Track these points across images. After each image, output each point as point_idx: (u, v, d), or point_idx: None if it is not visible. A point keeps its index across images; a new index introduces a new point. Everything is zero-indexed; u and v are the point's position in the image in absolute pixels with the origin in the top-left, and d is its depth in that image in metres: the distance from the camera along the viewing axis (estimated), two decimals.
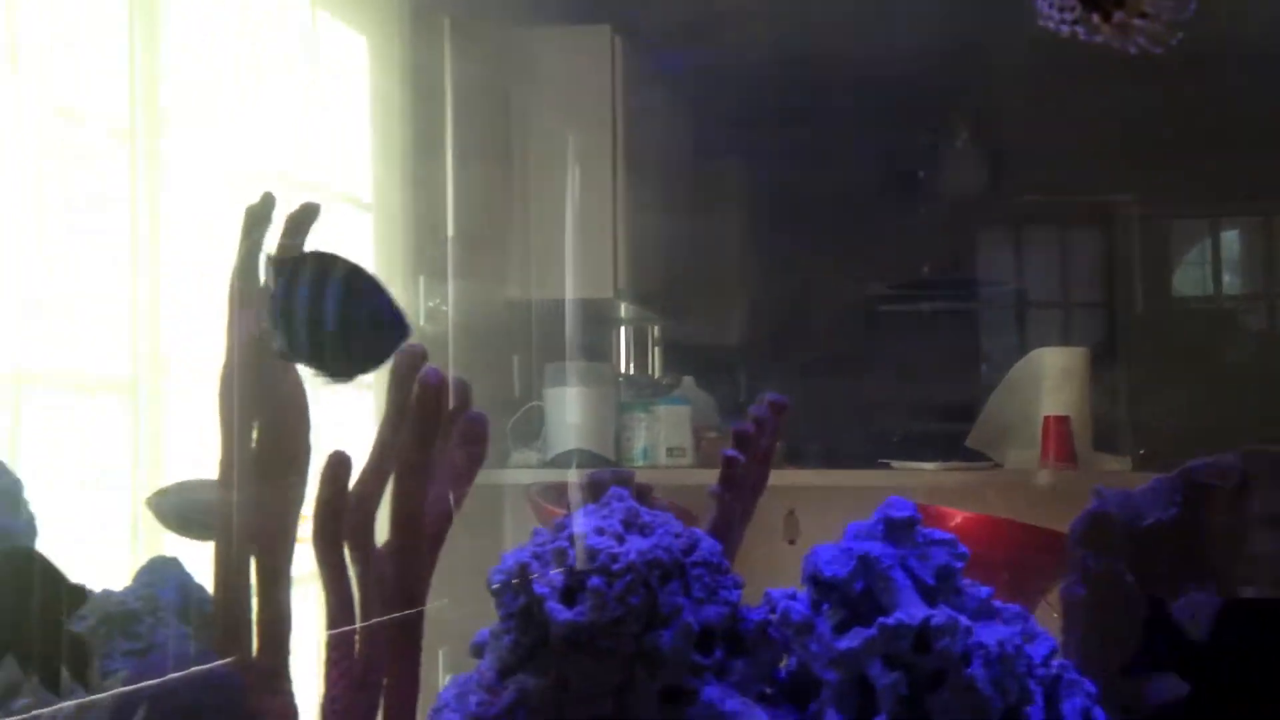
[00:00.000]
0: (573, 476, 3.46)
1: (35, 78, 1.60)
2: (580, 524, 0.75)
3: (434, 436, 0.85)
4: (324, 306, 0.82)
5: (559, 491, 3.04)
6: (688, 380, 3.64)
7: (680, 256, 3.67)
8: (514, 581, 0.76)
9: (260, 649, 1.03)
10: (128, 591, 1.06)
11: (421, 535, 0.87)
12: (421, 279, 3.33)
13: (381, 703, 0.88)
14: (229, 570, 1.04)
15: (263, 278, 0.89)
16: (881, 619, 0.73)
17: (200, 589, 1.09)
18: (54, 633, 0.74)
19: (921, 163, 3.73)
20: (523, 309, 3.50)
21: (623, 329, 3.80)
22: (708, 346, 3.78)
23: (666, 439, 3.59)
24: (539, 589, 0.73)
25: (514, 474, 3.11)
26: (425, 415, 0.85)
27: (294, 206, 1.05)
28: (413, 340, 0.92)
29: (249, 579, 1.04)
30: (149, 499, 1.24)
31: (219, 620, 1.03)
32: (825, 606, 0.76)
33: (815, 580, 0.76)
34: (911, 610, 0.72)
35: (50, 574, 0.77)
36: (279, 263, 0.86)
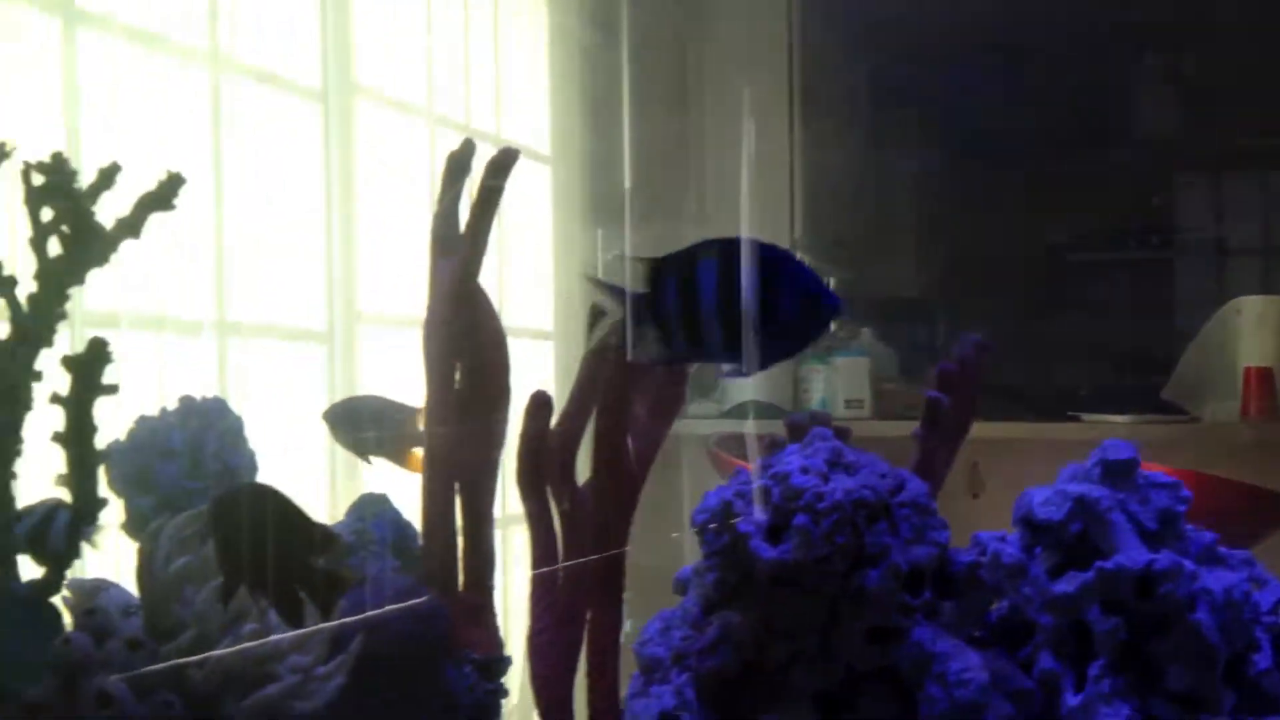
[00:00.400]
0: (750, 428, 3.46)
1: (232, 38, 1.65)
2: (784, 463, 0.75)
3: (636, 378, 0.86)
4: (721, 296, 0.76)
5: (737, 442, 3.04)
6: (866, 331, 3.59)
7: (859, 205, 3.61)
8: (715, 522, 0.76)
9: (466, 583, 1.06)
10: (341, 525, 1.10)
11: (623, 475, 0.88)
12: (599, 231, 3.35)
13: (585, 638, 0.90)
14: (436, 507, 1.07)
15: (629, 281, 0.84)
16: (1100, 563, 0.70)
17: (408, 524, 1.13)
18: (288, 565, 0.77)
19: (1118, 102, 3.58)
20: None
21: None
22: (887, 297, 3.72)
23: (845, 390, 3.55)
24: (743, 527, 0.73)
25: (691, 425, 3.12)
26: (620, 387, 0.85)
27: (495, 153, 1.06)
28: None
29: (455, 516, 1.07)
30: (324, 412, 1.27)
31: (427, 555, 1.06)
32: (1038, 550, 0.74)
33: (1028, 523, 0.74)
34: (1133, 554, 0.70)
35: (285, 510, 0.80)
36: (655, 263, 0.83)
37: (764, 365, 0.72)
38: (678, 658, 0.75)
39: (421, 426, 1.08)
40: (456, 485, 1.07)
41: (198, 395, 1.10)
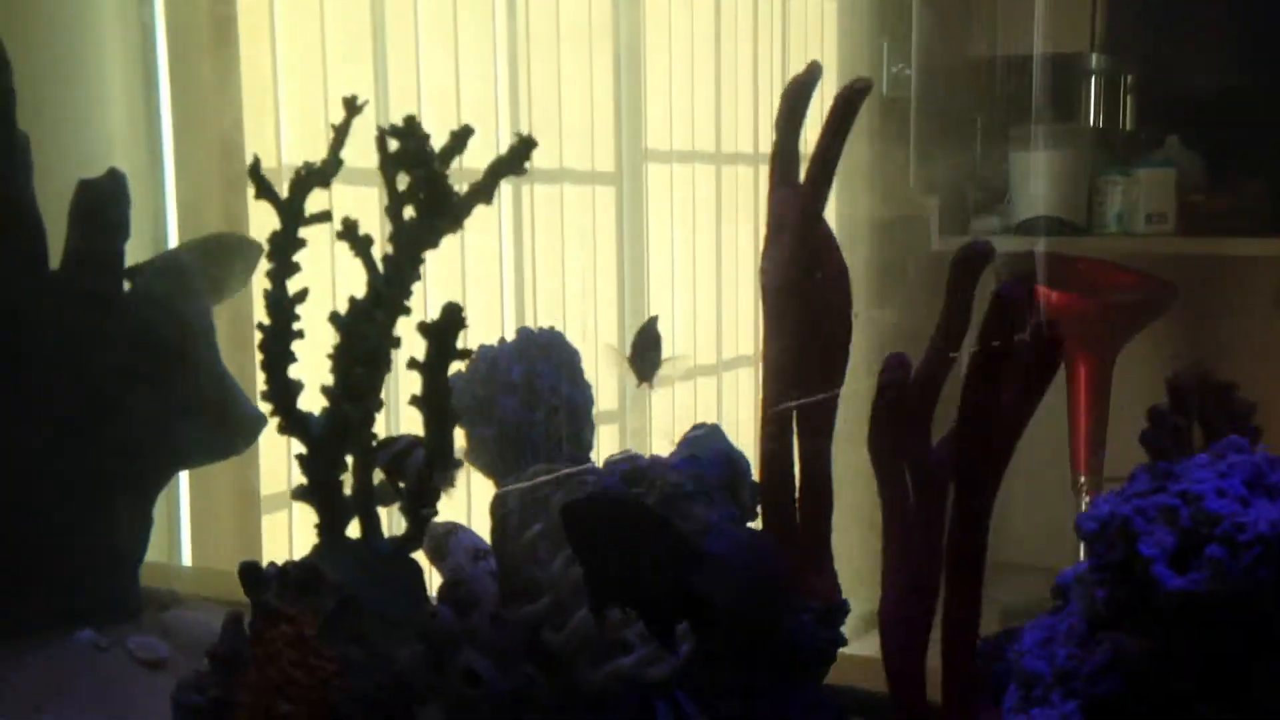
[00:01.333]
0: (1040, 246, 3.28)
1: None
2: (1195, 479, 0.67)
3: (1006, 353, 0.79)
4: None
5: (1024, 261, 2.89)
6: (1172, 140, 3.33)
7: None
8: (1108, 534, 0.69)
9: (804, 528, 1.03)
10: (680, 468, 1.08)
11: (986, 447, 0.82)
12: (884, 43, 3.18)
13: (940, 616, 0.86)
14: (774, 450, 1.03)
15: None
16: None
17: (741, 457, 1.10)
18: (656, 582, 0.76)
19: None
20: (987, 67, 3.30)
21: (1096, 83, 3.50)
22: (1195, 101, 3.41)
23: (1146, 204, 3.32)
24: (1145, 550, 0.67)
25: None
26: (996, 331, 0.78)
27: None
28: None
29: (793, 460, 1.03)
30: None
31: (766, 501, 1.04)
32: None
33: None
34: None
35: (645, 521, 0.78)
36: None
37: None
38: (1062, 677, 0.70)
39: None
40: (795, 428, 1.03)
41: (534, 328, 1.09)
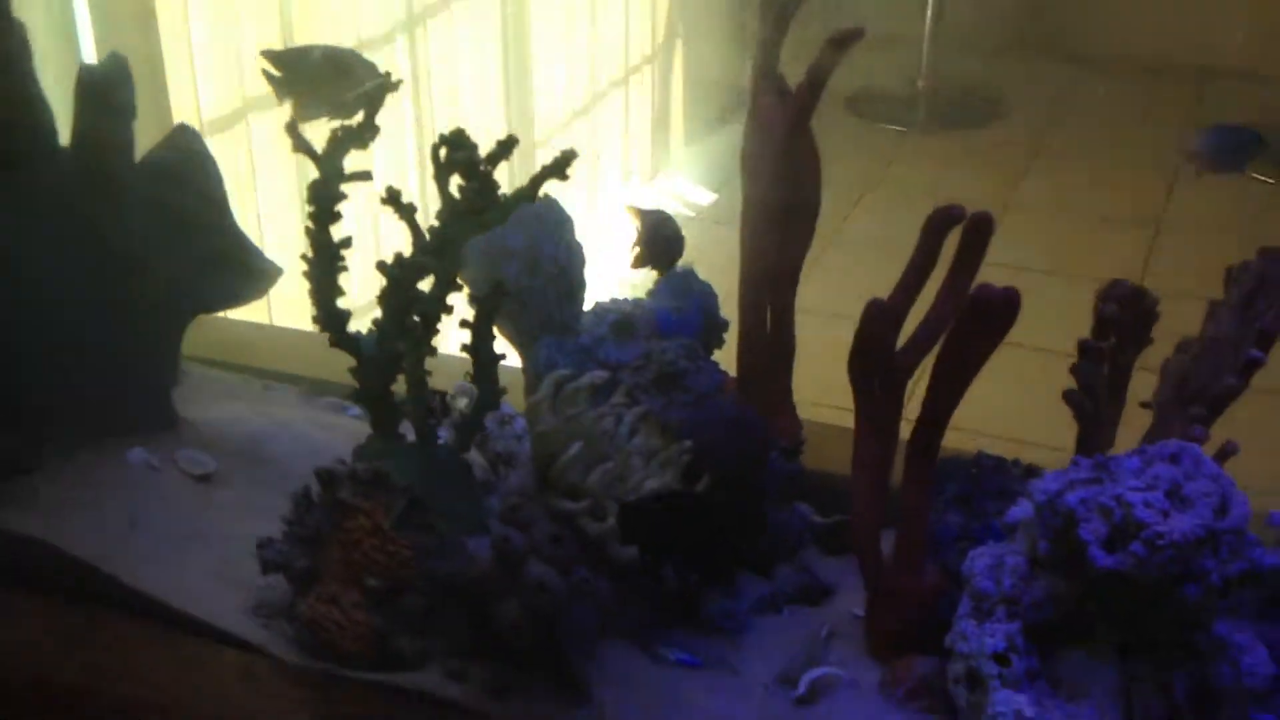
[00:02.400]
0: None
1: None
2: (1127, 486, 0.87)
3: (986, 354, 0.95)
4: None
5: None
6: None
7: None
8: (1055, 509, 0.90)
9: (774, 374, 1.22)
10: (664, 319, 1.23)
11: (955, 385, 1.00)
12: None
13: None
14: (750, 306, 1.19)
15: None
16: None
17: (713, 298, 1.25)
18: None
19: None
20: None
21: None
22: None
23: None
24: (1085, 535, 0.88)
25: None
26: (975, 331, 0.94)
27: None
28: None
29: (765, 314, 1.20)
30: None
31: (743, 349, 1.21)
32: None
33: None
34: None
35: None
36: None
37: None
38: (1006, 600, 0.93)
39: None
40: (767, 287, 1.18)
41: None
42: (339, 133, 0.96)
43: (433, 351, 1.02)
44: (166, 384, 1.29)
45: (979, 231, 1.01)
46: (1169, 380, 1.09)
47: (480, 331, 1.00)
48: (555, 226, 1.20)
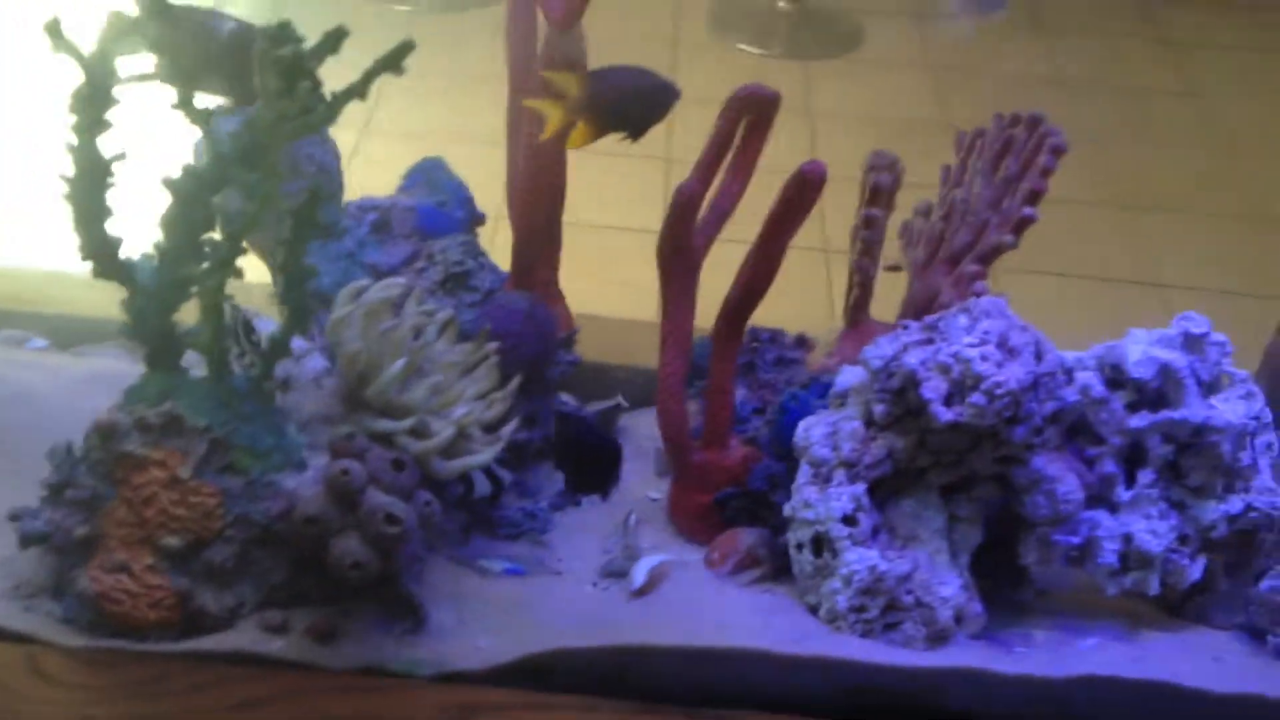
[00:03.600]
0: None
1: None
2: (960, 342, 0.93)
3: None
4: None
5: None
6: None
7: None
8: (891, 372, 0.95)
9: (547, 265, 1.19)
10: (427, 213, 1.16)
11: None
12: None
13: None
14: (530, 203, 1.15)
15: None
16: (1168, 413, 0.98)
17: (462, 185, 1.20)
18: None
19: None
20: None
21: None
22: None
23: None
24: (927, 394, 0.93)
25: None
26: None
27: None
28: None
29: (542, 217, 1.16)
30: None
31: (521, 243, 1.17)
32: (1120, 391, 0.99)
33: (1117, 369, 0.99)
34: (1194, 409, 0.97)
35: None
36: None
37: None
38: (845, 464, 0.98)
39: None
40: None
41: None
42: (115, 25, 0.82)
43: (239, 274, 0.91)
44: None
45: (765, 113, 1.02)
46: (917, 242, 1.17)
47: (294, 250, 0.90)
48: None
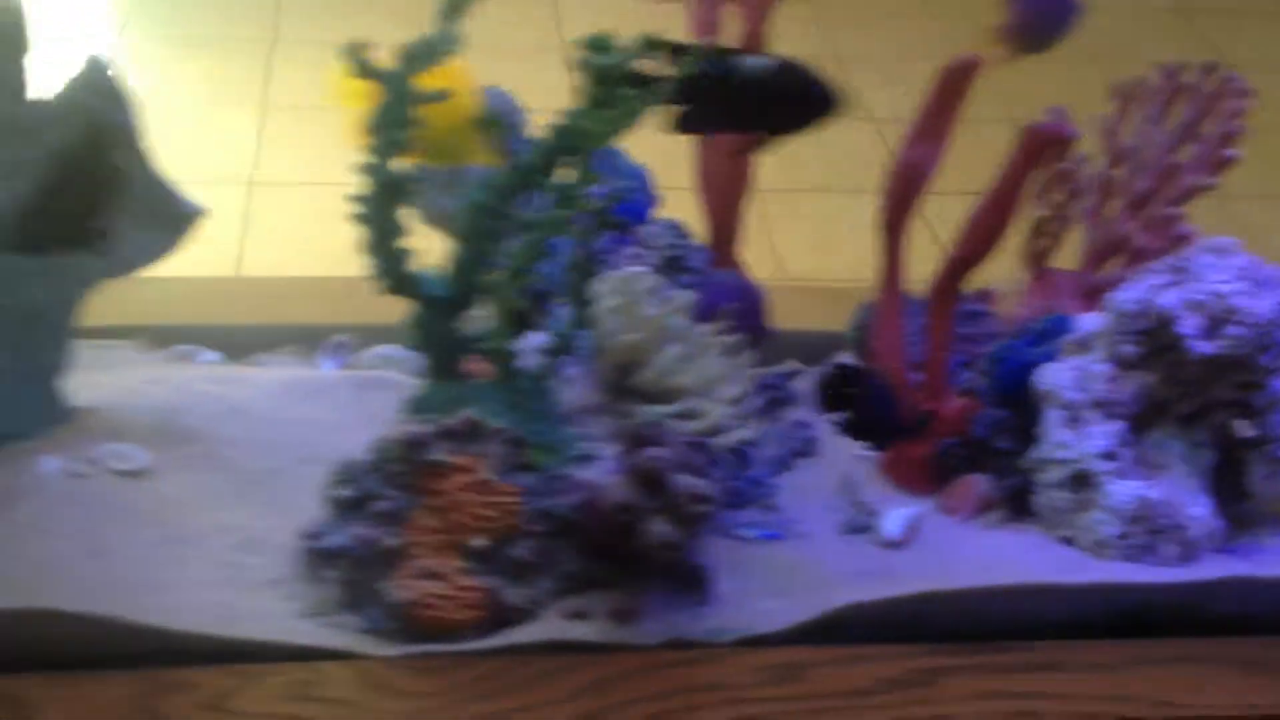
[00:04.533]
0: None
1: None
2: (1213, 280, 0.99)
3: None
4: None
5: None
6: None
7: None
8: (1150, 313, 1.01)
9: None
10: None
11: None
12: None
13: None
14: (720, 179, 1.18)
15: None
16: None
17: (644, 173, 1.22)
18: None
19: None
20: None
21: None
22: None
23: None
24: (1184, 329, 0.99)
25: None
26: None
27: None
28: None
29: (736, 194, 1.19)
30: None
31: (714, 225, 1.20)
32: None
33: None
34: None
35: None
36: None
37: None
38: (1099, 404, 1.03)
39: None
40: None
41: None
42: (412, 49, 0.82)
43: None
44: (56, 368, 1.05)
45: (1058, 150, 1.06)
46: (1089, 193, 1.22)
47: (589, 245, 0.91)
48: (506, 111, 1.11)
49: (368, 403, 1.19)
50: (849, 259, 2.13)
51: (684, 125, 0.95)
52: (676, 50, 0.85)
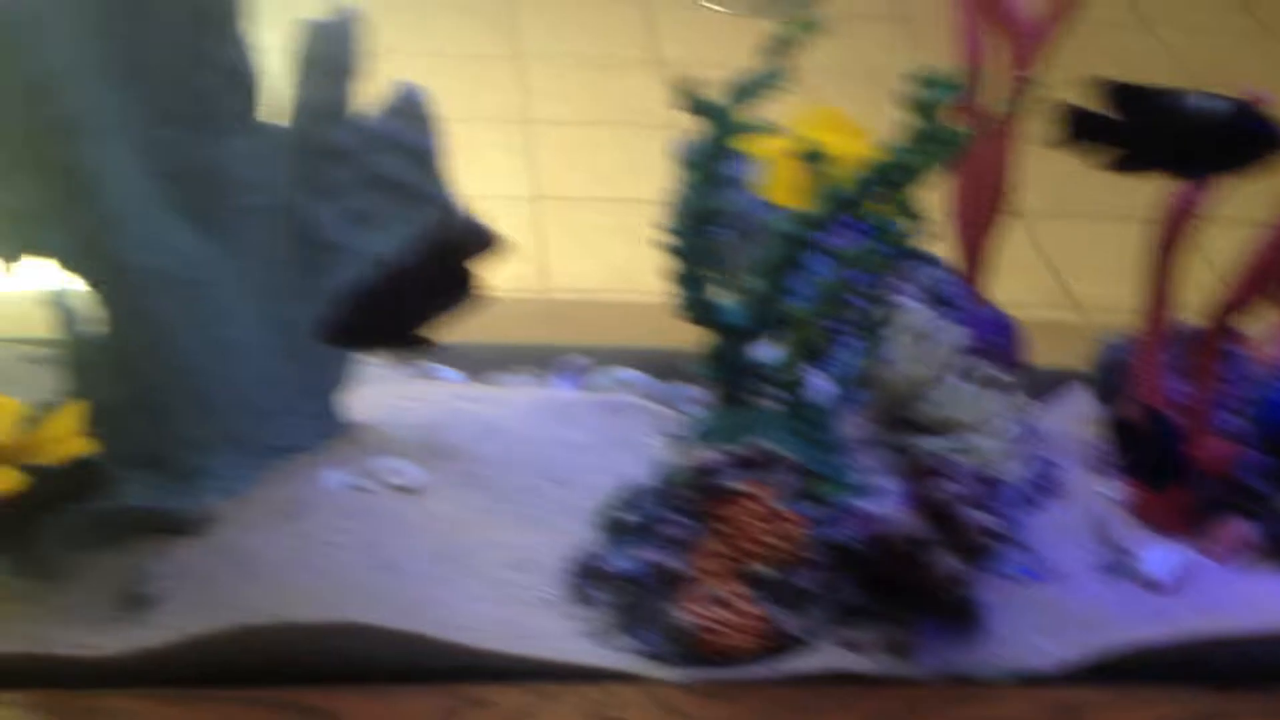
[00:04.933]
0: None
1: None
2: None
3: None
4: None
5: None
6: None
7: None
8: None
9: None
10: None
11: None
12: None
13: None
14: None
15: None
16: None
17: None
18: None
19: None
20: None
21: None
22: None
23: None
24: None
25: None
26: None
27: None
28: None
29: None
30: None
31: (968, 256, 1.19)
32: None
33: None
34: None
35: None
36: None
37: None
38: None
39: None
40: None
41: None
42: (740, 83, 0.83)
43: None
44: (338, 381, 1.08)
45: None
46: None
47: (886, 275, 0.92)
48: None
49: (616, 426, 1.20)
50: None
51: (1126, 166, 0.94)
52: (1118, 91, 0.86)
